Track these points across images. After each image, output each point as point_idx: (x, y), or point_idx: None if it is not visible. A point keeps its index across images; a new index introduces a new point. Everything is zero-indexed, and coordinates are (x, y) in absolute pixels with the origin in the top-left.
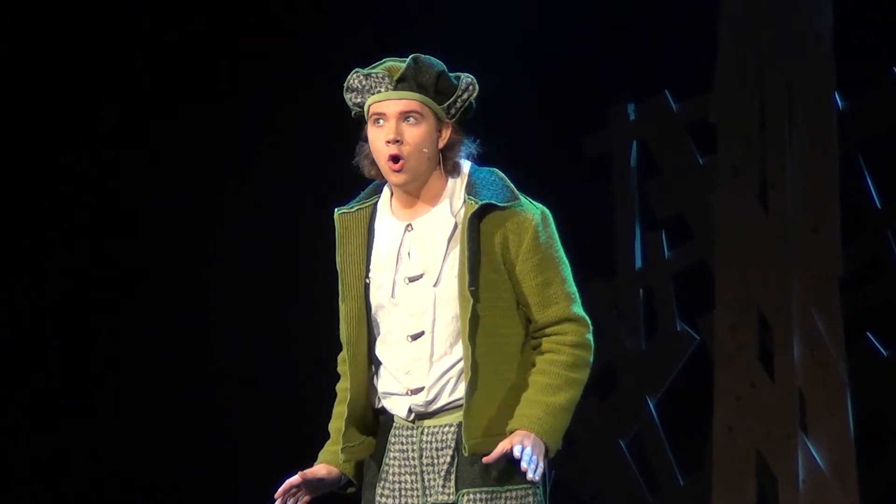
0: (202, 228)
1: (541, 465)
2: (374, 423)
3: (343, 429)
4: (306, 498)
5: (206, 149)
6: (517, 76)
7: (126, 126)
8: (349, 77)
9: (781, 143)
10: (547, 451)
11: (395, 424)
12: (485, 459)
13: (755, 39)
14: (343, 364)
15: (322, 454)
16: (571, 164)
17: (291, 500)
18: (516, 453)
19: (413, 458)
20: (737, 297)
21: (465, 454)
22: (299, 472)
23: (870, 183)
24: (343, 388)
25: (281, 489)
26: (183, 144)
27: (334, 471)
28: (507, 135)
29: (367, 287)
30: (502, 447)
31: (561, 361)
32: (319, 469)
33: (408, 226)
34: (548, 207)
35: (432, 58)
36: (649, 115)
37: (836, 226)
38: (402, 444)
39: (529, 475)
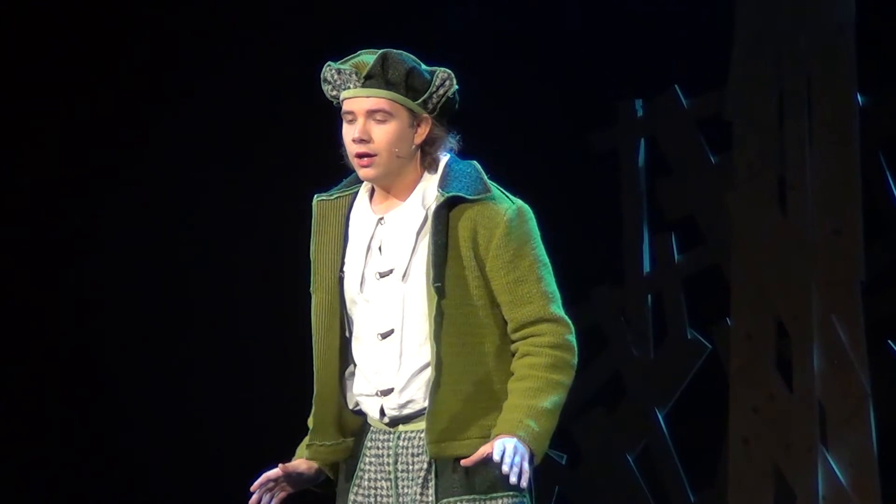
0: (194, 223)
1: (526, 469)
2: (349, 425)
3: (311, 427)
4: (282, 494)
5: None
6: (520, 71)
7: (98, 114)
8: (323, 69)
9: (801, 140)
10: (532, 456)
11: (371, 428)
12: (463, 462)
13: (773, 31)
14: None
15: (300, 449)
16: (576, 162)
17: (268, 494)
18: (496, 456)
19: (388, 465)
20: (753, 303)
21: (427, 457)
22: (279, 465)
23: (891, 183)
24: None
25: (258, 481)
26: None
27: (313, 465)
28: (509, 131)
29: (341, 280)
30: (483, 451)
31: (540, 364)
32: (300, 463)
33: (380, 219)
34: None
35: (404, 53)
36: (658, 112)
37: (858, 228)
38: (378, 448)
39: (512, 479)
